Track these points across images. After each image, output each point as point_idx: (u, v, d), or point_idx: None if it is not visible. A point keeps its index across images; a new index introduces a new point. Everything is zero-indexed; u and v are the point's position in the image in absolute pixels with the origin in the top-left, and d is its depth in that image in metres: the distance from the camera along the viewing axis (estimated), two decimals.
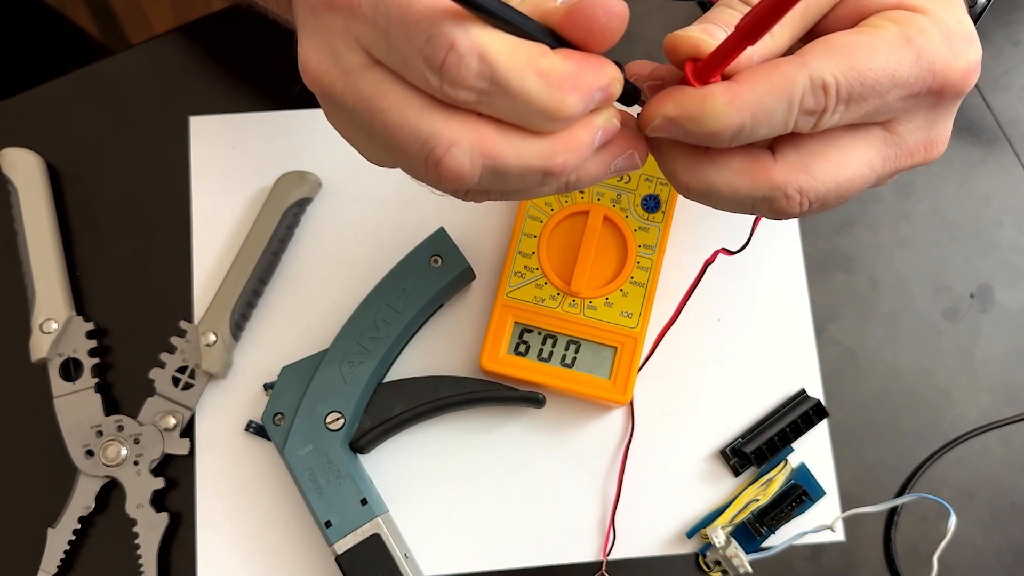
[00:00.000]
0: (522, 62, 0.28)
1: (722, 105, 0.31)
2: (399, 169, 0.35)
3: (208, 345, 0.51)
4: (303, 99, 0.56)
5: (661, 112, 0.32)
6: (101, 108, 0.56)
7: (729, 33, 0.31)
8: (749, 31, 0.29)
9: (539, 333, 0.51)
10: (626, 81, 0.32)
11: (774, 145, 0.33)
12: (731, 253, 0.43)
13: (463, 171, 0.30)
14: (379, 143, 0.32)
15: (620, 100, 0.32)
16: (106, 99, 0.56)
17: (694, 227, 0.54)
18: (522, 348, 0.51)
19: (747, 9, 0.33)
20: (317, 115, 0.56)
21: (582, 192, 0.52)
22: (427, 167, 0.30)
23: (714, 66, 0.31)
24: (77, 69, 0.57)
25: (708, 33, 0.32)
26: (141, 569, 0.50)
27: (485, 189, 0.31)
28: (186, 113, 0.56)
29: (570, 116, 0.29)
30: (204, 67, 0.57)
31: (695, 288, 0.46)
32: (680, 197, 0.52)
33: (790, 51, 0.33)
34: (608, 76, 0.30)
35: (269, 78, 0.56)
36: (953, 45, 0.33)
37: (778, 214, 0.34)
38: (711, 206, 0.35)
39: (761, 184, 0.33)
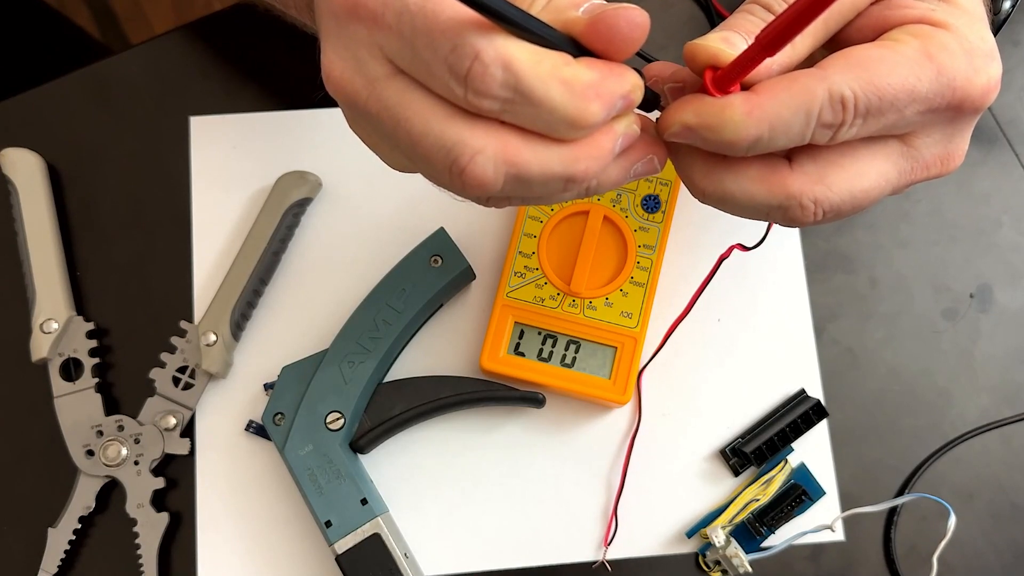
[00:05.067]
0: (546, 71, 0.28)
1: (740, 116, 0.31)
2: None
3: (208, 345, 0.51)
4: (303, 99, 0.56)
5: (680, 120, 0.32)
6: (101, 108, 0.56)
7: (749, 42, 0.31)
8: (769, 43, 0.29)
9: (539, 333, 0.51)
10: (646, 88, 0.32)
11: (791, 154, 0.33)
12: (746, 249, 0.43)
13: (487, 179, 0.30)
14: (402, 151, 0.32)
15: (640, 106, 0.32)
16: (106, 99, 0.56)
17: (694, 227, 0.54)
18: (522, 348, 0.51)
19: (768, 16, 0.33)
20: (317, 115, 0.56)
21: None
22: (451, 175, 0.30)
23: (733, 76, 0.31)
24: (77, 69, 0.57)
25: (728, 43, 0.32)
26: (141, 569, 0.50)
27: (507, 196, 0.32)
28: (186, 113, 0.56)
29: (593, 124, 0.30)
30: (204, 67, 0.57)
31: (710, 280, 0.46)
32: (680, 197, 0.52)
33: (811, 58, 0.33)
34: (630, 84, 0.30)
35: (269, 78, 0.56)
36: (974, 61, 0.33)
37: (792, 222, 0.34)
38: (726, 211, 0.35)
39: (777, 193, 0.33)
